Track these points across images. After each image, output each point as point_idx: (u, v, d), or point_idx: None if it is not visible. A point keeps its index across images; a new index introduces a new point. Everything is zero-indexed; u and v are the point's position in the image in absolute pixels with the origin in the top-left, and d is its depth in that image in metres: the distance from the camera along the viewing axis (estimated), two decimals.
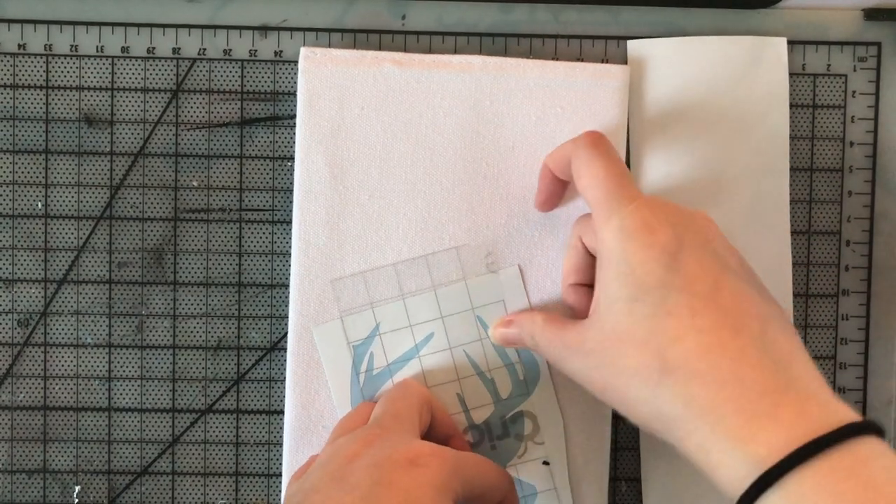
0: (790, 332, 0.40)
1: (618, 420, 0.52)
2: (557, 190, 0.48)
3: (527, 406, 0.50)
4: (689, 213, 0.42)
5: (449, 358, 0.49)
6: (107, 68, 0.50)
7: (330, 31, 0.51)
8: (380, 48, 0.51)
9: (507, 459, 0.50)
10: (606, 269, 0.41)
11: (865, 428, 0.36)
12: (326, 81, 0.49)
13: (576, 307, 0.47)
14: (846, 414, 0.37)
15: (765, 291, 0.41)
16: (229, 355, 0.52)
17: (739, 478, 0.36)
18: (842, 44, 0.52)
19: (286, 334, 0.50)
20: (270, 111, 0.51)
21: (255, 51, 0.51)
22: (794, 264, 0.52)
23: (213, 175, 0.51)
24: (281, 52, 0.51)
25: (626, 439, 0.52)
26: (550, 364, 0.48)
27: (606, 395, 0.42)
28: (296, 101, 0.50)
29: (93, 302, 0.51)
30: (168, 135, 0.51)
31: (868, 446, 0.36)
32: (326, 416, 0.50)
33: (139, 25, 0.51)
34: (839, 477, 0.35)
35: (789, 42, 0.52)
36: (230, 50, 0.51)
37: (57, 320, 0.51)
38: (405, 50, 0.51)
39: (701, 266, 0.40)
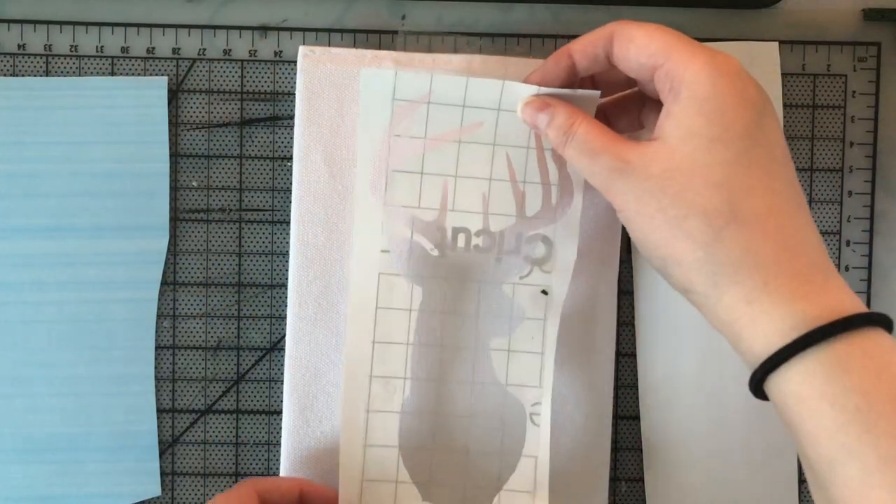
0: None
1: (618, 420, 0.52)
2: (562, 80, 0.45)
3: (548, 231, 0.48)
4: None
5: (488, 154, 0.47)
6: (107, 68, 0.50)
7: (330, 31, 0.51)
8: (380, 48, 0.51)
9: (508, 277, 0.48)
10: (687, 102, 0.40)
11: None
12: (326, 81, 0.49)
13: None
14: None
15: None
16: (229, 355, 0.52)
17: (778, 332, 0.38)
18: (841, 44, 0.52)
19: (286, 335, 0.50)
20: (270, 111, 0.51)
21: (255, 51, 0.51)
22: None
23: (213, 175, 0.51)
24: (281, 52, 0.51)
25: (626, 439, 0.52)
26: (585, 174, 0.44)
27: (650, 227, 0.41)
28: (295, 100, 0.50)
29: None
30: (168, 135, 0.51)
31: None
32: (325, 419, 0.49)
33: (139, 25, 0.51)
34: (886, 348, 0.37)
35: (789, 42, 0.52)
36: (230, 50, 0.51)
37: None
38: (405, 50, 0.51)
39: (778, 135, 0.41)
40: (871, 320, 0.38)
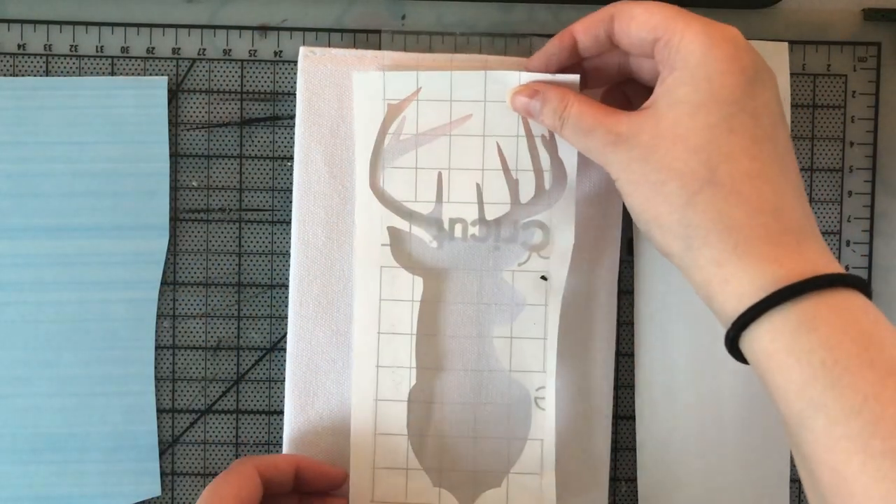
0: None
1: (618, 420, 0.52)
2: (563, 60, 0.46)
3: (543, 217, 0.48)
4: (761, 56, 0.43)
5: (479, 145, 0.48)
6: (106, 68, 0.50)
7: (330, 31, 0.51)
8: (380, 48, 0.51)
9: (507, 264, 0.49)
10: (679, 71, 0.41)
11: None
12: (326, 81, 0.49)
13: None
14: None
15: None
16: (229, 355, 0.52)
17: (748, 292, 0.38)
18: (842, 44, 0.52)
19: (286, 334, 0.50)
20: (270, 111, 0.51)
21: (255, 51, 0.51)
22: None
23: (213, 175, 0.51)
24: (281, 52, 0.51)
25: (626, 439, 0.52)
26: (583, 151, 0.44)
27: (636, 193, 0.42)
28: (295, 100, 0.50)
29: None
30: (168, 135, 0.51)
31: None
32: (325, 417, 0.50)
33: (139, 25, 0.51)
34: (856, 306, 0.38)
35: (789, 42, 0.52)
36: (230, 50, 0.51)
37: None
38: (405, 50, 0.51)
39: (770, 102, 0.41)
40: (844, 282, 0.38)
